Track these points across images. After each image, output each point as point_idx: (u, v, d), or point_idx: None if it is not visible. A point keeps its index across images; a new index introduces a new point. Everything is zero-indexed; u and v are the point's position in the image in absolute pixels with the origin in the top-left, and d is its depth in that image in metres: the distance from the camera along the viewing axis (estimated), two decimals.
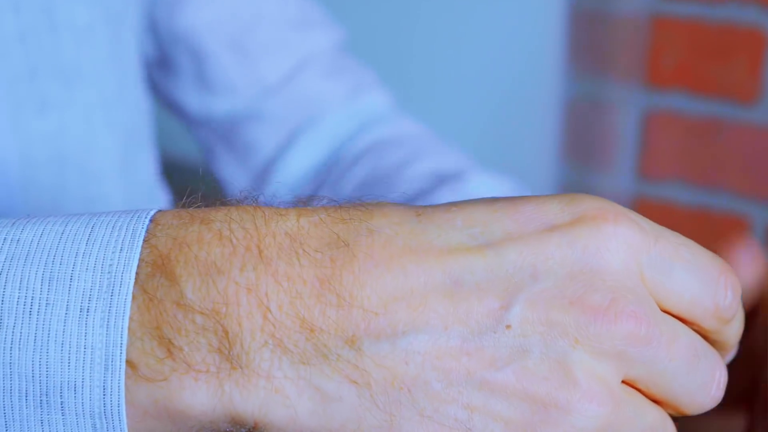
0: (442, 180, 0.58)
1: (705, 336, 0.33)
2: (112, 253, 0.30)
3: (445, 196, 0.56)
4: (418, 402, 0.30)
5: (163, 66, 0.64)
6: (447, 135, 0.67)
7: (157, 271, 0.29)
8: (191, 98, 0.63)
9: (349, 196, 0.32)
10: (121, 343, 0.29)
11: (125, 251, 0.30)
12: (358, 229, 0.31)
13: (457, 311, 0.30)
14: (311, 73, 0.64)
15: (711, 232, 1.09)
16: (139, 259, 0.30)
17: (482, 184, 0.58)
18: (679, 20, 1.05)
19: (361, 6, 1.11)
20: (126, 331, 0.29)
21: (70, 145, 0.53)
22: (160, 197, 0.62)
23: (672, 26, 1.06)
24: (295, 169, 0.64)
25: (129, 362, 0.29)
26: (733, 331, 0.34)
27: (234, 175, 0.65)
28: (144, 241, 0.30)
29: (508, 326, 0.30)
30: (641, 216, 0.32)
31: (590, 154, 1.15)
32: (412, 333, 0.29)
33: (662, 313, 0.32)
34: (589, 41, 1.11)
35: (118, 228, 0.30)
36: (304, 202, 0.32)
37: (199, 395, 0.29)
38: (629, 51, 1.10)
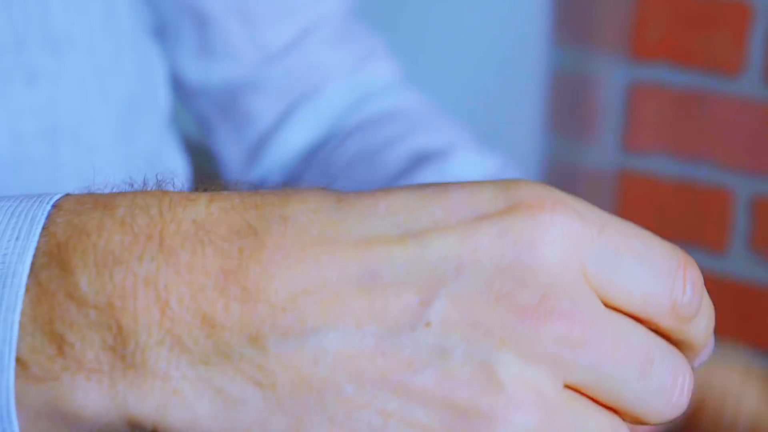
0: (425, 159, 0.57)
1: (667, 337, 0.30)
2: (8, 241, 0.28)
3: (427, 176, 0.54)
4: (328, 406, 0.27)
5: (161, 35, 0.62)
6: None
7: (52, 261, 0.28)
8: (190, 66, 0.61)
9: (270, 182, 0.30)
10: (11, 340, 0.27)
11: (21, 240, 0.28)
12: (270, 216, 0.28)
13: (372, 307, 0.27)
14: (317, 40, 0.62)
15: (695, 205, 1.09)
16: (36, 248, 0.28)
17: (466, 163, 0.56)
18: None
19: None
20: (17, 326, 0.27)
21: (62, 117, 0.51)
22: (170, 167, 0.60)
23: None
24: (291, 144, 0.62)
25: (19, 360, 0.27)
26: (700, 329, 0.30)
27: (230, 150, 0.63)
28: (43, 228, 0.28)
29: (427, 324, 0.27)
30: (586, 204, 0.29)
31: (575, 127, 1.15)
32: (323, 330, 0.27)
33: (607, 312, 0.28)
34: (573, 14, 1.11)
35: (17, 215, 0.28)
36: (225, 185, 0.30)
37: (91, 396, 0.27)
38: (614, 23, 1.10)
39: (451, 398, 0.27)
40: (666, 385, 0.29)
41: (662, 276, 0.29)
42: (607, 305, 0.29)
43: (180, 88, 0.63)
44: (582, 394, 0.29)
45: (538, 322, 0.27)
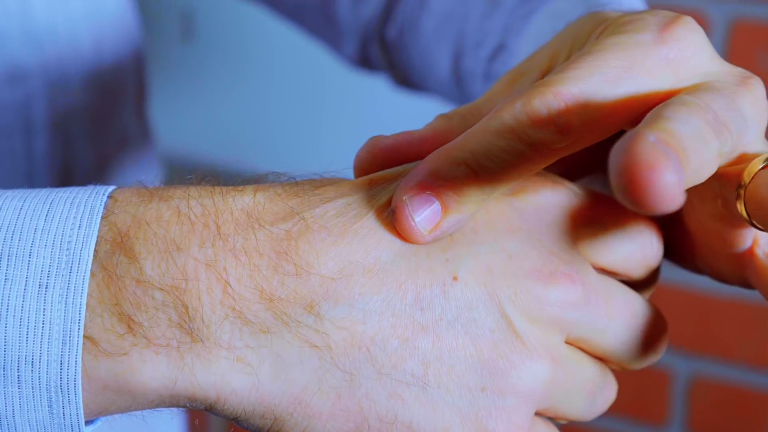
0: None
1: (630, 284, 0.34)
2: (71, 230, 0.30)
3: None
4: (376, 360, 0.31)
5: None
6: (424, 119, 0.66)
7: (116, 249, 0.30)
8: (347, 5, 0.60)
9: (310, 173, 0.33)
10: (79, 319, 0.29)
11: (83, 228, 0.30)
12: (311, 201, 0.31)
13: (409, 269, 0.31)
14: None
15: None
16: (99, 236, 0.30)
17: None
18: None
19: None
20: (84, 308, 0.29)
21: (43, 111, 0.52)
22: (141, 159, 0.60)
23: None
24: None
25: (89, 338, 0.29)
26: (656, 273, 0.35)
27: (349, 14, 0.61)
28: (102, 218, 0.30)
29: (455, 278, 0.31)
30: (575, 184, 0.34)
31: None
32: (368, 294, 0.30)
33: (598, 275, 0.33)
34: None
35: (76, 204, 0.30)
36: (264, 177, 0.33)
37: (160, 368, 0.30)
38: None
39: (480, 346, 0.31)
40: (647, 335, 0.34)
41: (636, 235, 0.33)
42: (593, 266, 0.33)
43: (334, 28, 0.62)
44: (577, 347, 0.33)
45: (546, 281, 0.31)
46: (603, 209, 0.33)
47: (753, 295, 1.05)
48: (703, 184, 0.30)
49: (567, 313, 0.32)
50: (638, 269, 0.34)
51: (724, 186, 0.31)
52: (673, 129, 0.27)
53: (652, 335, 0.34)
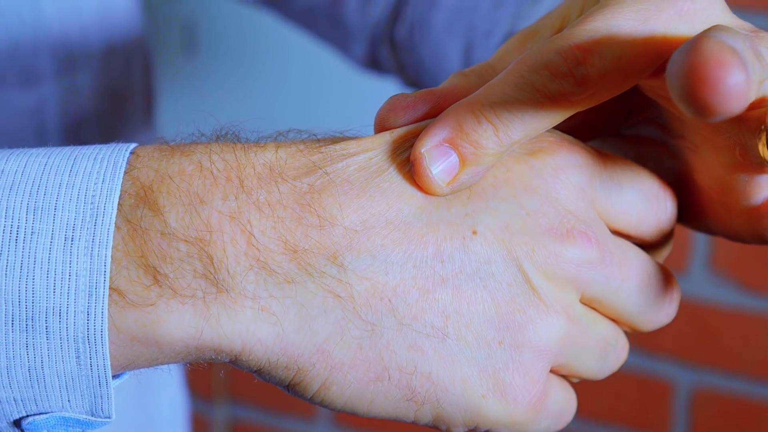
0: None
1: (643, 247, 0.35)
2: (95, 184, 0.30)
3: None
4: (398, 311, 0.31)
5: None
6: None
7: (140, 202, 0.30)
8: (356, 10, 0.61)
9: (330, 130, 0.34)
10: (105, 271, 0.29)
11: (107, 182, 0.30)
12: (333, 156, 0.32)
13: (430, 224, 0.31)
14: None
15: None
16: (122, 191, 0.30)
17: None
18: None
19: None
20: (109, 259, 0.29)
21: (54, 117, 0.53)
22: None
23: None
24: None
25: (116, 290, 0.30)
26: (669, 236, 0.36)
27: (357, 17, 0.62)
28: (125, 172, 0.31)
29: (474, 232, 0.31)
30: (589, 145, 0.34)
31: None
32: (390, 246, 0.31)
33: (613, 236, 0.33)
34: None
35: (99, 160, 0.31)
36: (283, 134, 0.33)
37: (186, 318, 0.30)
38: None
39: (497, 299, 0.32)
40: (660, 296, 0.34)
41: (650, 198, 0.34)
42: (609, 228, 0.34)
43: (344, 31, 0.63)
44: (591, 307, 0.33)
45: (563, 239, 0.32)
46: (618, 171, 0.34)
47: (755, 306, 1.05)
48: (718, 133, 0.30)
49: (583, 272, 0.32)
50: (651, 231, 0.34)
51: (744, 132, 0.31)
52: (730, 38, 0.26)
53: (664, 298, 0.35)
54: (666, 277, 0.35)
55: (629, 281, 0.33)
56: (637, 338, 1.07)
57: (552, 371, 0.34)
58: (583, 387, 1.16)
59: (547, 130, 0.33)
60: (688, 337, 1.08)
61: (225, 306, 0.30)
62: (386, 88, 0.66)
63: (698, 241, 1.06)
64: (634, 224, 0.34)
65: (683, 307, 1.08)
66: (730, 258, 1.05)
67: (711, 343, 1.08)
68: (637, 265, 0.34)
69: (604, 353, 0.34)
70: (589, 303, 0.33)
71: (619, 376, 1.10)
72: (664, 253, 0.36)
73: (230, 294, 0.30)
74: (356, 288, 0.31)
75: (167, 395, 0.63)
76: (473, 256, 0.31)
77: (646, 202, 0.34)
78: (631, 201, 0.34)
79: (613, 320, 0.34)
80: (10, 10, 0.50)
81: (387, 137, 0.33)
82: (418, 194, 0.31)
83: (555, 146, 0.33)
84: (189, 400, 0.74)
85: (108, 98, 0.56)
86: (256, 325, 0.30)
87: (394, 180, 0.32)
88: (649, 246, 0.36)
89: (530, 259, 0.32)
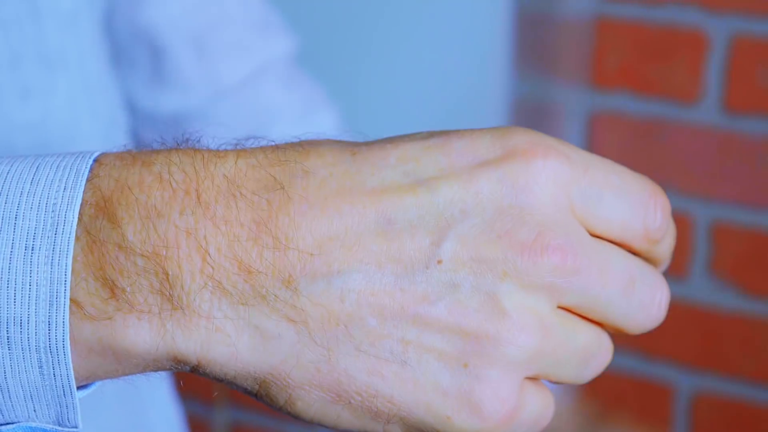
0: None
1: (638, 256, 0.34)
2: (56, 192, 0.30)
3: None
4: (354, 338, 0.30)
5: (115, 60, 0.63)
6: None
7: (99, 213, 0.30)
8: (143, 93, 0.63)
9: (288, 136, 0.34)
10: (65, 280, 0.29)
11: (68, 191, 0.30)
12: (293, 170, 0.31)
13: (390, 249, 0.31)
14: (269, 80, 0.63)
15: None
16: (83, 200, 0.30)
17: None
18: (623, 22, 1.07)
19: (313, 10, 1.11)
20: (69, 269, 0.29)
21: (54, 132, 0.53)
22: None
23: (615, 28, 1.08)
24: None
25: (74, 301, 0.30)
26: (665, 249, 0.35)
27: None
28: (87, 181, 0.30)
29: (439, 261, 0.31)
30: (572, 146, 0.33)
31: None
32: (347, 272, 0.30)
33: (593, 242, 0.32)
34: (534, 43, 1.12)
35: (62, 168, 0.31)
36: (242, 143, 0.33)
37: (142, 334, 0.30)
38: (574, 53, 1.11)
39: (463, 325, 0.31)
40: (646, 300, 0.33)
41: (637, 206, 0.33)
42: (591, 235, 0.32)
43: (132, 113, 0.64)
44: (572, 312, 0.32)
45: (536, 256, 0.31)
46: (599, 176, 0.32)
47: (755, 310, 1.05)
48: None
49: (557, 283, 0.31)
50: (638, 240, 0.33)
51: None
52: None
53: (651, 302, 0.33)
54: (655, 282, 0.34)
55: (610, 288, 0.32)
56: (637, 342, 1.07)
57: (528, 378, 0.33)
58: (582, 390, 1.16)
59: (524, 130, 0.32)
60: (689, 341, 1.08)
61: (179, 324, 0.30)
62: (380, 41, 0.67)
63: (699, 245, 1.06)
64: (617, 231, 0.33)
65: (684, 311, 1.08)
66: (731, 262, 1.05)
67: (711, 347, 1.08)
68: (621, 270, 0.32)
69: (584, 361, 0.33)
70: (569, 309, 0.33)
71: (620, 380, 1.10)
72: (661, 262, 0.35)
73: (185, 312, 0.30)
74: (311, 314, 0.30)
75: (159, 407, 0.63)
76: (437, 285, 0.31)
77: (630, 209, 0.33)
78: (612, 208, 0.32)
79: (598, 323, 0.33)
80: (13, 23, 0.50)
81: (348, 155, 0.32)
82: (380, 219, 0.31)
83: (529, 154, 0.32)
84: (186, 405, 0.73)
85: (105, 119, 0.56)
86: (209, 344, 0.30)
87: (354, 202, 0.31)
88: (642, 254, 0.34)
89: (500, 281, 0.31)
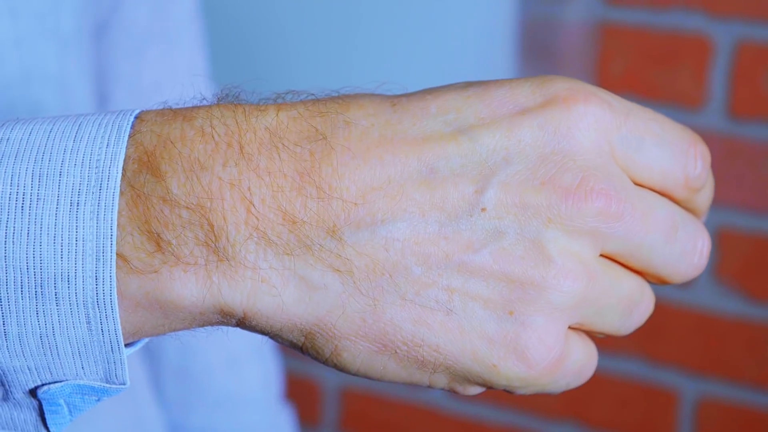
0: None
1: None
2: (99, 148, 0.30)
3: None
4: (399, 286, 0.31)
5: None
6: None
7: (143, 168, 0.30)
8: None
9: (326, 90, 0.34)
10: (111, 235, 0.29)
11: (111, 146, 0.30)
12: (335, 121, 0.31)
13: (433, 198, 0.31)
14: None
15: None
16: (126, 156, 0.30)
17: None
18: (628, 27, 1.07)
19: (314, 11, 1.11)
20: (115, 223, 0.29)
21: None
22: None
23: (620, 33, 1.08)
24: None
25: (120, 256, 0.30)
26: (704, 198, 0.34)
27: None
28: (129, 137, 0.30)
29: (483, 209, 0.31)
30: (612, 94, 0.33)
31: None
32: (391, 221, 0.30)
33: (636, 188, 0.32)
34: (538, 48, 1.13)
35: (104, 125, 0.31)
36: (282, 96, 0.33)
37: (189, 286, 0.30)
38: (579, 58, 1.11)
39: (508, 273, 0.31)
40: (688, 248, 0.33)
41: (677, 154, 0.33)
42: (632, 182, 0.32)
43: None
44: (614, 261, 0.33)
45: (580, 201, 0.31)
46: (640, 124, 0.32)
47: (760, 316, 1.05)
48: None
49: (601, 229, 0.31)
50: (679, 188, 0.33)
51: None
52: None
53: (693, 250, 0.34)
54: (696, 230, 0.34)
55: (653, 234, 0.32)
56: (642, 347, 1.07)
57: (572, 328, 0.33)
58: (588, 395, 1.16)
59: (563, 78, 0.32)
60: (694, 346, 1.08)
61: (226, 275, 0.30)
62: (385, 43, 0.67)
63: None
64: (658, 179, 0.33)
65: (688, 316, 1.08)
66: (736, 268, 1.05)
67: (716, 353, 1.07)
68: (663, 217, 0.33)
69: (628, 310, 0.33)
70: (612, 257, 0.33)
71: (625, 385, 1.10)
72: (701, 212, 0.35)
73: (230, 263, 0.30)
74: (355, 263, 0.30)
75: (157, 408, 0.63)
76: (481, 233, 0.31)
77: (671, 157, 0.33)
78: (653, 155, 0.32)
79: (640, 273, 0.34)
80: (26, 40, 0.50)
81: (388, 105, 0.32)
82: (422, 168, 0.31)
83: (570, 100, 0.32)
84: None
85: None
86: (256, 295, 0.30)
87: (396, 151, 0.31)
88: (682, 203, 0.34)
89: (545, 227, 0.31)
